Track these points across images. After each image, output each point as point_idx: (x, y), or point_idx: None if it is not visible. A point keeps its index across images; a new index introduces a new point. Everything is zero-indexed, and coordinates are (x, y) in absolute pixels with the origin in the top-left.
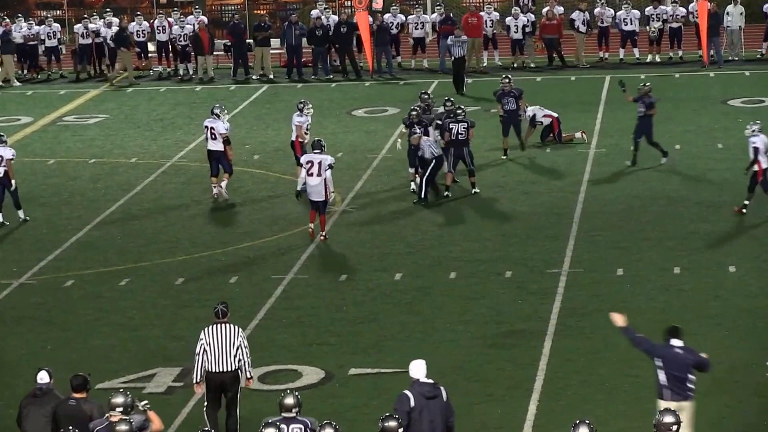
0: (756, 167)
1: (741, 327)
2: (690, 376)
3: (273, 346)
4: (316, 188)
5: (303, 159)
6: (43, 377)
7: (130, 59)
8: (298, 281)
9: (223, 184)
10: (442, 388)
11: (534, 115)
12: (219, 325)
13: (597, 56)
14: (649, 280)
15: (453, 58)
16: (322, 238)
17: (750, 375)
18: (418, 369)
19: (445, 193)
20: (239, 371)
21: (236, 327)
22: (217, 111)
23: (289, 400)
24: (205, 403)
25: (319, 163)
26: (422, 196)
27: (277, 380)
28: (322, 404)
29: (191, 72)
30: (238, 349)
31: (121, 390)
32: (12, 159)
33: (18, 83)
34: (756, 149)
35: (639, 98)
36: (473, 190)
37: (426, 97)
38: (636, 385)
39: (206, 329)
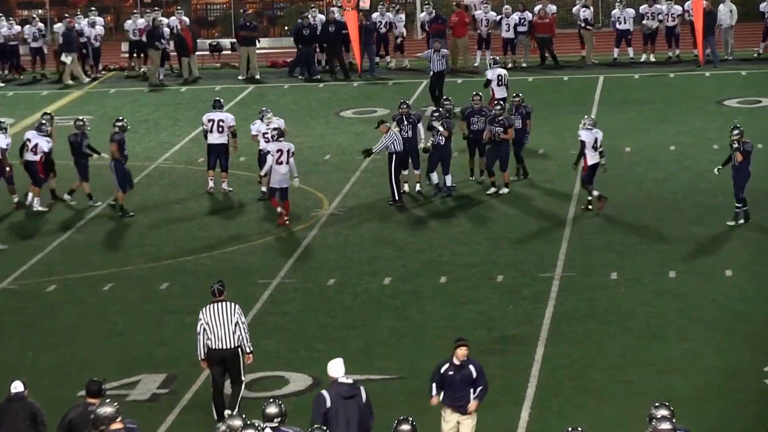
0: (582, 161)
1: (737, 332)
2: None
3: (260, 352)
4: (285, 176)
5: (272, 147)
6: (17, 386)
7: (158, 57)
8: (285, 286)
9: (224, 184)
10: (362, 388)
11: (490, 80)
12: (216, 304)
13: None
14: (644, 284)
15: (432, 72)
16: (287, 222)
17: (747, 380)
18: (336, 368)
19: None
20: (239, 348)
21: (233, 304)
22: (223, 101)
23: (272, 410)
24: (212, 390)
25: (288, 151)
26: (395, 197)
27: (264, 387)
28: (309, 411)
29: (161, 76)
30: (236, 326)
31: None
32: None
33: (87, 79)
34: (583, 143)
35: (515, 110)
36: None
37: (447, 102)
38: (629, 391)
39: (204, 308)
